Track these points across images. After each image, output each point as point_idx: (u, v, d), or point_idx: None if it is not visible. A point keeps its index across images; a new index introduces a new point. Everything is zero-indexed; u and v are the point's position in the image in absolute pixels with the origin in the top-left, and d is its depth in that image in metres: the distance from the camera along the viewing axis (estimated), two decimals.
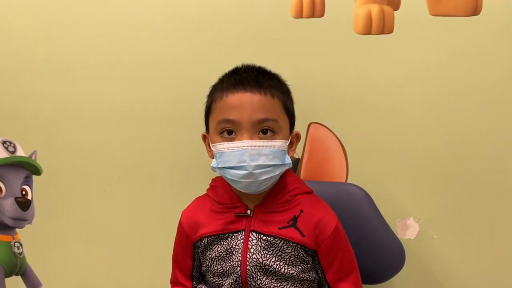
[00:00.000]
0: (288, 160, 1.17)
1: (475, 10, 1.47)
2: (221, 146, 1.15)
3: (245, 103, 1.14)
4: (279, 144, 1.15)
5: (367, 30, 1.51)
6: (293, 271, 1.17)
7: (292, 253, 1.17)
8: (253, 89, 1.16)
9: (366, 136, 1.55)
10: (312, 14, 1.55)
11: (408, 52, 1.51)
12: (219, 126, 1.17)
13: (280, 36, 1.57)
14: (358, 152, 1.55)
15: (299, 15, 1.55)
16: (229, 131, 1.16)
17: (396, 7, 1.51)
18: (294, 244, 1.17)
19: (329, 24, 1.54)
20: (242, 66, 1.26)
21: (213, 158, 1.20)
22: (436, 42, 1.50)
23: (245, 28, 1.58)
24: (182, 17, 1.61)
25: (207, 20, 1.60)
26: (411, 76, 1.52)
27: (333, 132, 1.56)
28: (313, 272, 1.21)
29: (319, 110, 1.55)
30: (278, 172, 1.16)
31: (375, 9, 1.49)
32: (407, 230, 1.54)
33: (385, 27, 1.50)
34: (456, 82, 1.50)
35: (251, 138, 1.13)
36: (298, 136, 1.25)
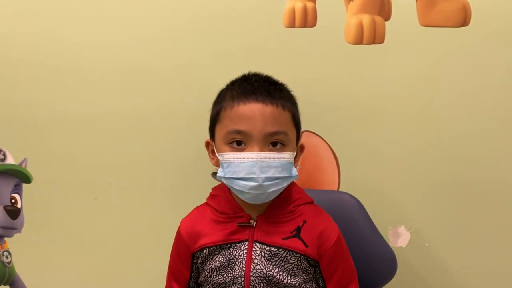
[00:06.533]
0: (295, 172, 1.16)
1: (464, 21, 1.49)
2: (230, 156, 1.13)
3: (256, 114, 1.12)
4: (287, 156, 1.14)
5: (359, 40, 1.52)
6: (295, 282, 1.17)
7: (295, 263, 1.17)
8: (265, 100, 1.14)
9: (358, 144, 1.56)
10: (304, 24, 1.56)
11: (399, 61, 1.53)
12: (228, 136, 1.14)
13: (272, 45, 1.57)
14: (350, 160, 1.56)
15: (292, 24, 1.56)
16: (239, 142, 1.13)
17: (387, 17, 1.53)
18: (297, 255, 1.17)
19: (321, 34, 1.55)
20: (251, 74, 1.23)
21: (216, 165, 1.19)
22: (426, 52, 1.52)
23: (238, 37, 1.58)
24: (175, 25, 1.61)
25: (200, 29, 1.60)
26: (402, 85, 1.54)
27: (325, 140, 1.57)
28: (314, 282, 1.21)
29: (310, 119, 1.55)
30: (285, 184, 1.16)
31: (366, 19, 1.50)
32: (399, 238, 1.56)
33: (376, 37, 1.52)
34: (447, 90, 1.52)
35: (261, 150, 1.12)
36: (302, 148, 1.23)
